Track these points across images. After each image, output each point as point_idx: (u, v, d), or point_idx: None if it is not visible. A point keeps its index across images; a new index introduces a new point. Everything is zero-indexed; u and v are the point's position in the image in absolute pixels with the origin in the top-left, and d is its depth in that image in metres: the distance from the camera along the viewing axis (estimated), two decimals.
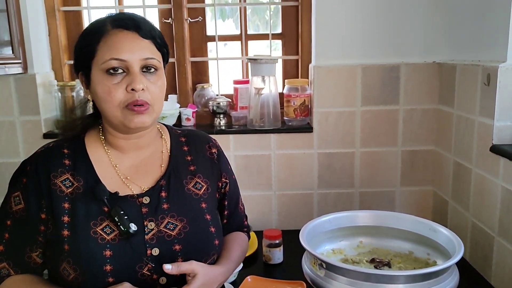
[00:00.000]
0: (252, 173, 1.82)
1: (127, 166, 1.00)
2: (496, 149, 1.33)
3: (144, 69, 0.93)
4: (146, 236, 0.94)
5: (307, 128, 1.80)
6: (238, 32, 1.97)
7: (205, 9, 1.94)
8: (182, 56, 1.91)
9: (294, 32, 1.93)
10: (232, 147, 1.80)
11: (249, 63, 1.80)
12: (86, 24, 1.86)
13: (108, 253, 0.91)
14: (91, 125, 1.03)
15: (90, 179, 0.96)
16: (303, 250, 1.22)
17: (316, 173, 1.83)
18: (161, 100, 0.97)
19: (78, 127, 1.02)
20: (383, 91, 1.76)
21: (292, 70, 1.96)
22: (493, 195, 1.36)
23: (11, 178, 0.98)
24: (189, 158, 1.07)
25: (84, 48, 0.94)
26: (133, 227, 0.92)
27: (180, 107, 1.87)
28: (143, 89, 0.91)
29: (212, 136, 1.15)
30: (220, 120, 1.87)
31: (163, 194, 0.99)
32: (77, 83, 1.81)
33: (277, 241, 1.53)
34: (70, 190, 0.94)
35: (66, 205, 0.93)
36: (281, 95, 1.86)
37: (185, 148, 1.08)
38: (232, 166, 1.18)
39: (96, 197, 0.94)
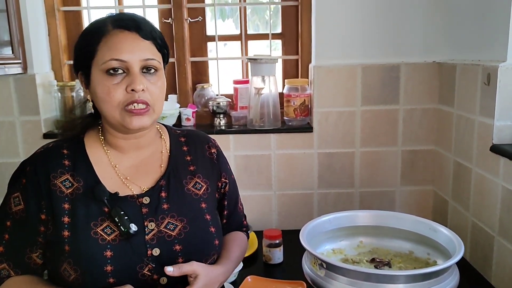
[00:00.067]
0: (252, 173, 1.82)
1: (127, 166, 1.00)
2: (496, 149, 1.33)
3: (144, 70, 0.93)
4: (146, 237, 0.94)
5: (307, 128, 1.80)
6: (238, 32, 1.97)
7: (205, 9, 1.94)
8: (182, 56, 1.91)
9: (294, 32, 1.93)
10: (232, 147, 1.80)
11: (249, 63, 1.80)
12: (86, 24, 1.86)
13: (108, 253, 0.91)
14: (91, 125, 1.03)
15: (90, 180, 0.96)
16: (303, 250, 1.22)
17: (316, 173, 1.83)
18: (161, 100, 0.96)
19: (78, 127, 1.02)
20: (383, 91, 1.76)
21: (292, 70, 1.96)
22: (493, 195, 1.36)
23: (10, 179, 0.97)
24: (188, 158, 1.07)
25: (84, 48, 0.93)
26: (134, 227, 0.92)
27: (180, 107, 1.87)
28: (143, 90, 0.91)
29: (212, 136, 1.15)
30: (220, 120, 1.87)
31: (163, 194, 0.99)
32: (77, 83, 1.81)
33: (277, 241, 1.53)
34: (70, 190, 0.94)
35: (66, 206, 0.93)
36: (281, 95, 1.86)
37: (185, 148, 1.08)
38: (232, 166, 1.18)
39: (96, 198, 0.94)
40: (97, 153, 0.99)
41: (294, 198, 1.85)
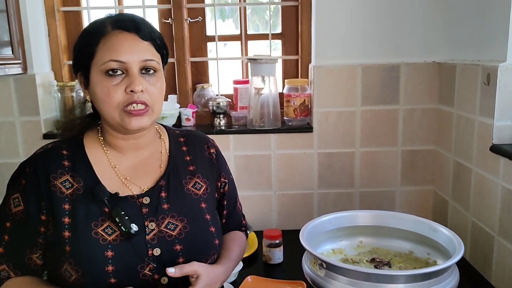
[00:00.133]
0: (252, 173, 1.82)
1: (126, 166, 1.00)
2: (496, 149, 1.33)
3: (143, 71, 0.93)
4: (147, 237, 0.94)
5: (307, 128, 1.80)
6: (238, 32, 1.97)
7: (205, 9, 1.94)
8: (182, 56, 1.91)
9: (294, 32, 1.93)
10: (232, 147, 1.80)
11: (249, 63, 1.80)
12: (85, 24, 1.86)
13: (109, 253, 0.91)
14: (90, 126, 1.03)
15: (90, 180, 0.96)
16: (303, 250, 1.22)
17: (316, 173, 1.83)
18: (161, 101, 0.96)
19: (77, 127, 1.02)
20: (383, 91, 1.76)
21: (292, 70, 1.96)
22: (493, 195, 1.36)
23: (10, 180, 0.97)
24: (188, 158, 1.07)
25: (83, 48, 0.93)
26: (134, 227, 0.92)
27: (180, 107, 1.87)
28: (142, 91, 0.91)
29: (212, 136, 1.15)
30: (220, 120, 1.87)
31: (163, 194, 0.99)
32: (77, 84, 1.81)
33: (277, 241, 1.53)
34: (70, 191, 0.94)
35: (67, 206, 0.93)
36: (281, 95, 1.86)
37: (184, 148, 1.08)
38: (232, 166, 1.18)
39: (96, 198, 0.94)
40: (96, 154, 0.99)
41: (294, 198, 1.85)
